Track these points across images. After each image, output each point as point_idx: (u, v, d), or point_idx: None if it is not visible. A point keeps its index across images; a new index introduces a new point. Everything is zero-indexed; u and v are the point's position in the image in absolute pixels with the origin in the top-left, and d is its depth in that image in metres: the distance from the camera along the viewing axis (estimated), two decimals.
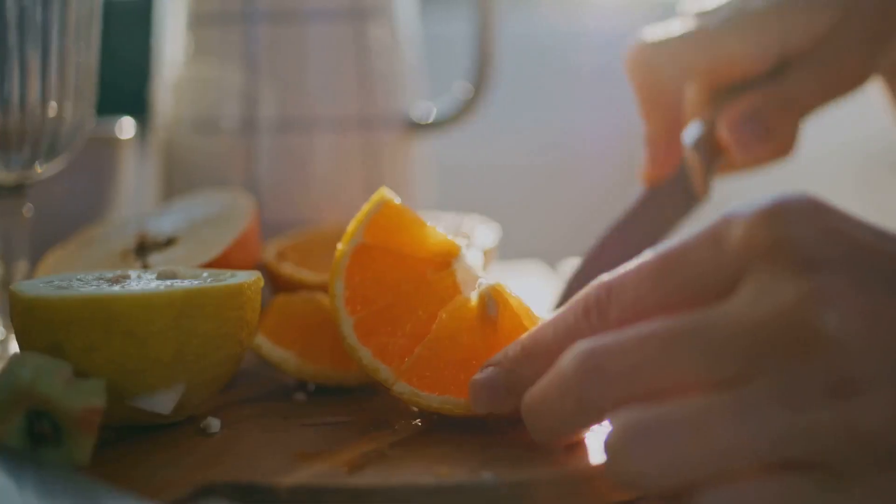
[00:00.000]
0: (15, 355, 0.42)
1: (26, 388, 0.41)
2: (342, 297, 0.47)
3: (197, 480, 0.39)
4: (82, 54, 0.57)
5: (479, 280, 0.46)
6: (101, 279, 0.46)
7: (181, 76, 0.71)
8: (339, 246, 0.47)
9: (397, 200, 0.48)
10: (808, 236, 0.34)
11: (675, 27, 0.59)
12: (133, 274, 0.47)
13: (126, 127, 0.71)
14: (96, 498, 0.36)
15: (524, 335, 0.42)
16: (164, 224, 0.58)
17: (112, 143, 0.70)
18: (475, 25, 0.72)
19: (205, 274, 0.47)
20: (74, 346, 0.42)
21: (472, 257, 0.49)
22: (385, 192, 0.48)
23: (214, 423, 0.45)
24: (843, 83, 0.59)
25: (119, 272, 0.47)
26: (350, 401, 0.49)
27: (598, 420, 0.37)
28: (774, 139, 0.58)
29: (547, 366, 0.39)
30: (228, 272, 0.47)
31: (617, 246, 0.59)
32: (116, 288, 0.44)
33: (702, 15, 0.59)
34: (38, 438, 0.41)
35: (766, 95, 0.58)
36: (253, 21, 0.69)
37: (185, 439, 0.44)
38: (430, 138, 0.75)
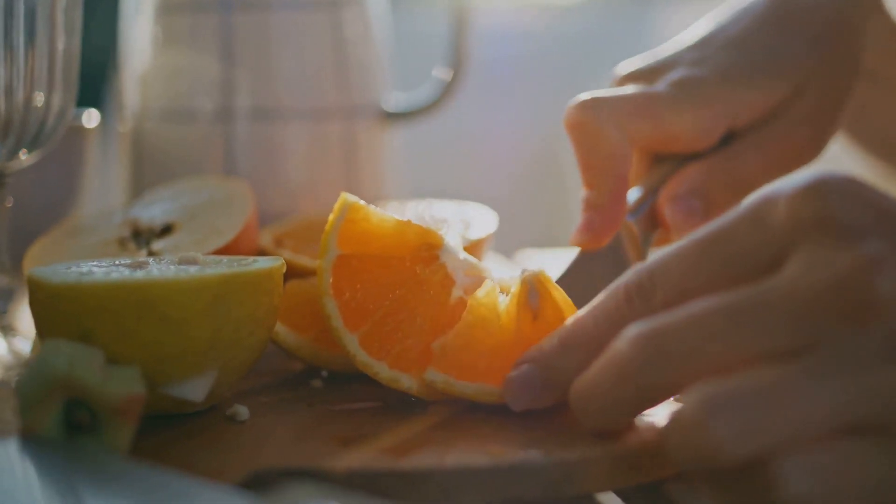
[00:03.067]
0: (47, 344, 0.40)
1: (63, 377, 0.39)
2: (338, 316, 0.45)
3: (247, 467, 0.39)
4: (67, 41, 0.56)
5: (523, 267, 0.46)
6: (121, 265, 0.45)
7: (151, 65, 0.70)
8: (318, 262, 0.46)
9: (361, 202, 0.47)
10: (850, 208, 0.35)
11: (622, 89, 0.55)
12: (151, 260, 0.46)
13: (92, 116, 0.69)
14: (161, 484, 0.35)
15: (560, 328, 0.42)
16: (154, 212, 0.57)
17: (79, 132, 0.68)
18: (451, 14, 0.72)
19: (224, 260, 0.46)
20: (106, 333, 0.41)
21: (454, 243, 0.48)
22: (347, 197, 0.47)
23: (243, 411, 0.44)
24: (790, 159, 0.56)
25: (135, 259, 0.46)
26: (367, 385, 0.48)
27: (658, 402, 0.37)
28: (715, 215, 0.53)
29: (588, 357, 0.39)
30: (250, 258, 0.46)
31: None
32: (142, 273, 0.43)
33: (649, 74, 0.56)
34: (75, 428, 0.40)
35: (711, 173, 0.55)
36: (227, 9, 0.67)
37: (215, 427, 0.43)
38: (407, 127, 0.74)
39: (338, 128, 0.69)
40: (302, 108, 0.68)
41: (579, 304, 0.44)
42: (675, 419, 0.34)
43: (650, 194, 0.55)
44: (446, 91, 0.73)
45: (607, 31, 1.81)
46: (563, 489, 0.39)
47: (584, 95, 0.53)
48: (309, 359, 0.50)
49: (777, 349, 0.34)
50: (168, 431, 0.43)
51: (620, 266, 0.53)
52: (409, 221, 0.47)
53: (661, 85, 0.54)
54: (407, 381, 0.45)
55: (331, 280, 0.46)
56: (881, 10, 0.57)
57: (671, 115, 0.53)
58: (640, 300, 0.39)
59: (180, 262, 0.45)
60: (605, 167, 0.52)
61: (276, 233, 0.59)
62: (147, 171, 0.70)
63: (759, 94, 0.54)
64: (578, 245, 0.53)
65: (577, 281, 0.53)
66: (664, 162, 0.56)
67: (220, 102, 0.68)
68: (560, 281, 0.52)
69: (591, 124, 0.52)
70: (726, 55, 0.55)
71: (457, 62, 0.72)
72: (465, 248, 0.54)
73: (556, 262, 0.53)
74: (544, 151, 1.74)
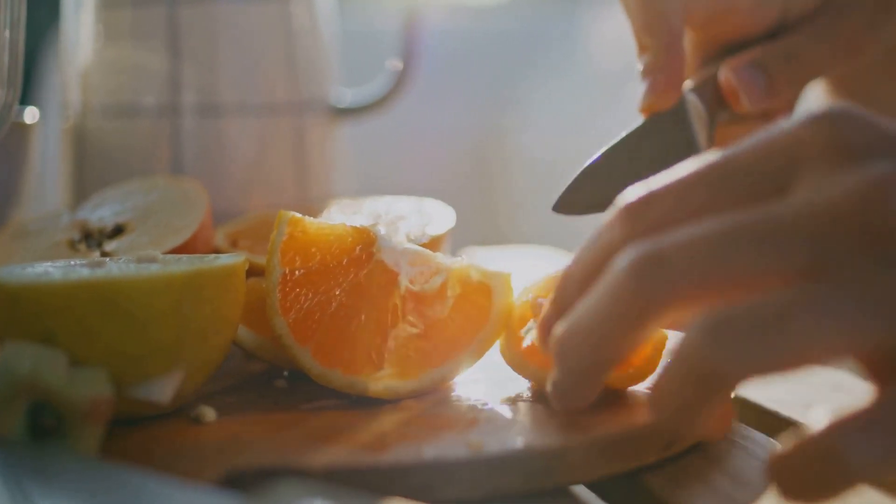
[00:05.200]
0: (8, 347, 0.39)
1: (27, 380, 0.38)
2: (288, 334, 0.45)
3: (224, 466, 0.38)
4: (12, 34, 0.54)
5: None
6: (77, 265, 0.44)
7: (94, 60, 0.68)
8: (265, 283, 0.46)
9: (297, 215, 0.47)
10: (855, 132, 0.34)
11: None
12: (109, 260, 0.45)
13: (33, 113, 0.67)
14: (136, 484, 0.34)
15: (559, 271, 0.40)
16: (103, 213, 0.55)
17: (21, 129, 0.66)
18: (403, 11, 0.71)
19: (185, 258, 0.45)
20: (69, 333, 0.40)
21: (393, 236, 0.48)
22: (283, 213, 0.47)
23: (209, 412, 0.43)
24: (840, 50, 0.57)
25: (92, 259, 0.45)
26: None
27: (653, 323, 0.34)
28: (776, 93, 0.55)
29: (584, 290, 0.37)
30: (211, 255, 0.45)
31: (609, 169, 0.53)
32: (102, 272, 0.42)
33: None
34: (41, 432, 0.38)
35: (767, 48, 0.56)
36: (173, 2, 0.66)
37: (184, 429, 0.42)
38: (355, 124, 0.74)
39: (287, 123, 0.68)
40: (250, 104, 0.67)
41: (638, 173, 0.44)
42: (678, 347, 0.32)
43: (711, 78, 0.56)
44: (395, 87, 0.72)
45: (540, 29, 1.82)
46: (544, 479, 0.39)
47: None
48: (270, 359, 0.49)
49: (784, 272, 0.33)
50: (136, 435, 0.42)
51: (690, 145, 0.53)
52: (343, 224, 0.47)
53: None
54: (361, 385, 0.44)
55: (278, 297, 0.45)
56: None
57: None
58: (635, 218, 0.36)
59: (139, 261, 0.44)
60: (659, 23, 0.54)
61: (230, 232, 0.57)
62: (90, 170, 0.68)
63: None
64: (646, 110, 0.53)
65: (645, 154, 0.53)
66: (719, 56, 0.58)
67: (165, 98, 0.66)
68: (628, 153, 0.53)
69: None
70: None
71: (406, 58, 0.72)
72: (425, 245, 0.53)
73: (505, 260, 0.53)
74: (482, 150, 1.74)
